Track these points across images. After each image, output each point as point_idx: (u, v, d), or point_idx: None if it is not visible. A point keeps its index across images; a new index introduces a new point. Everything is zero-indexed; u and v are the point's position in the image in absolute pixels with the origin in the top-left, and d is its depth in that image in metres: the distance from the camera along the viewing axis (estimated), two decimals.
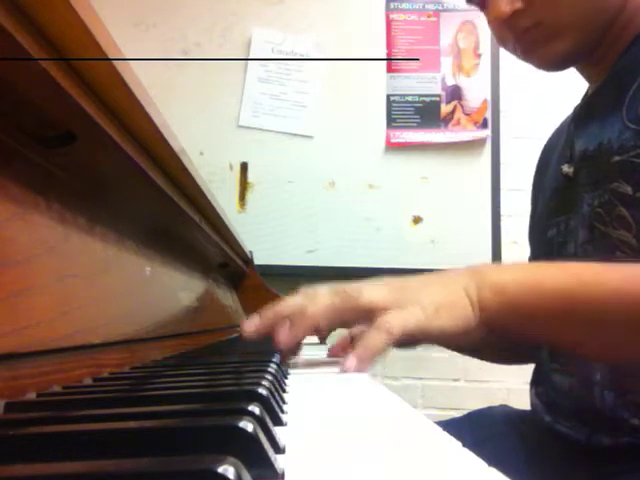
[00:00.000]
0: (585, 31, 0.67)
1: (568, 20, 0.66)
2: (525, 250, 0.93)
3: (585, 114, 0.73)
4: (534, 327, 0.57)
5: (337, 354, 0.74)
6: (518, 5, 0.66)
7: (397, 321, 0.52)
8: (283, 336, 0.55)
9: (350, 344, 0.73)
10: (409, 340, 0.54)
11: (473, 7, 0.74)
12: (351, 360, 0.51)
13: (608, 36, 0.67)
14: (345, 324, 0.59)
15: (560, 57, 0.69)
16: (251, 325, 0.57)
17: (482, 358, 0.93)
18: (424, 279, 0.58)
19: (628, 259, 0.60)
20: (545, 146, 0.90)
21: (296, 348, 0.61)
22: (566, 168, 0.72)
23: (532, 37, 0.68)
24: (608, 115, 0.66)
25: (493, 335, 0.57)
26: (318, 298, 0.55)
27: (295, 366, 0.62)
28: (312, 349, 1.01)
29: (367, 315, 0.54)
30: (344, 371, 0.51)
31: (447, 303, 0.55)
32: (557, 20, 0.66)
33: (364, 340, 0.52)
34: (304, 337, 0.57)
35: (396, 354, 1.89)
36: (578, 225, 0.69)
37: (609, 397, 0.63)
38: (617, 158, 0.62)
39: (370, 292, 0.55)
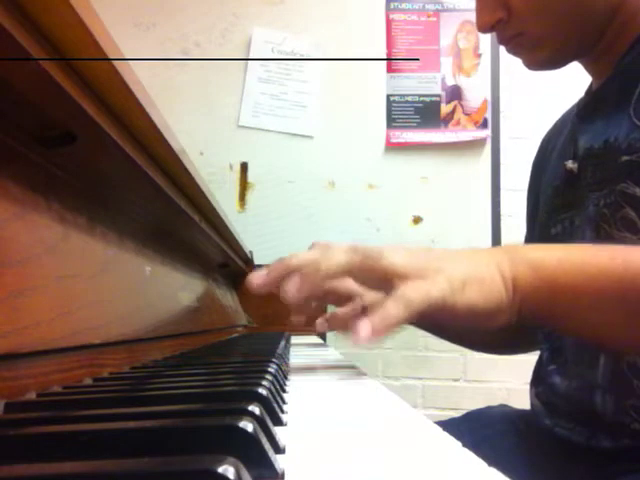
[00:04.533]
0: (570, 38, 0.67)
1: (550, 30, 0.66)
2: None
3: (590, 110, 0.72)
4: (578, 311, 0.50)
5: (341, 323, 0.60)
6: (500, 15, 0.67)
7: (419, 293, 0.46)
8: (292, 289, 0.49)
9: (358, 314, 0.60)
10: (430, 316, 0.47)
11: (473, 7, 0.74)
12: (364, 328, 0.45)
13: (609, 32, 0.67)
14: (360, 284, 0.52)
15: (545, 62, 0.70)
16: (259, 278, 0.52)
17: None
18: (451, 251, 0.52)
19: None
20: (543, 140, 0.89)
21: (307, 307, 0.55)
22: (570, 164, 0.72)
23: (517, 44, 0.69)
24: (614, 112, 0.65)
25: (523, 320, 0.51)
26: (334, 253, 0.49)
27: (295, 371, 0.60)
28: (312, 349, 1.01)
29: (385, 280, 0.48)
30: (356, 340, 0.45)
31: (476, 277, 0.48)
32: (538, 30, 0.67)
33: (380, 310, 0.46)
34: (314, 294, 0.51)
35: (396, 354, 1.89)
36: (584, 224, 0.68)
37: (609, 401, 0.63)
38: (625, 158, 0.61)
39: (392, 256, 0.49)
